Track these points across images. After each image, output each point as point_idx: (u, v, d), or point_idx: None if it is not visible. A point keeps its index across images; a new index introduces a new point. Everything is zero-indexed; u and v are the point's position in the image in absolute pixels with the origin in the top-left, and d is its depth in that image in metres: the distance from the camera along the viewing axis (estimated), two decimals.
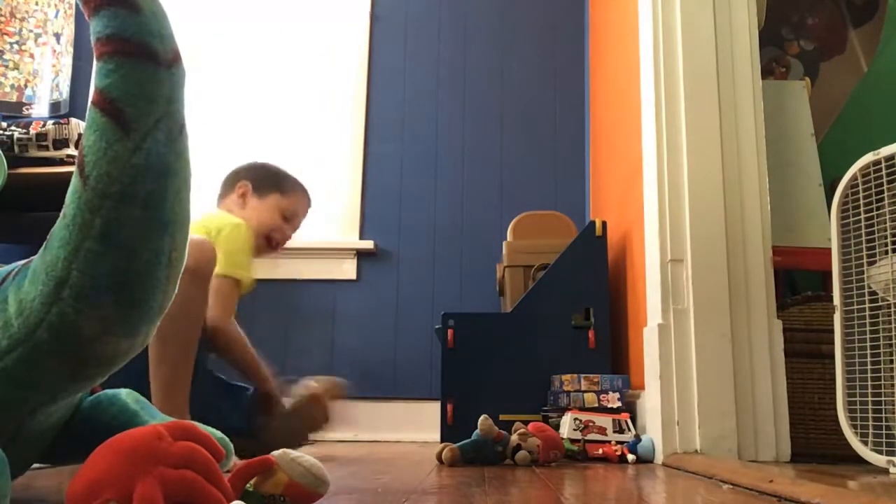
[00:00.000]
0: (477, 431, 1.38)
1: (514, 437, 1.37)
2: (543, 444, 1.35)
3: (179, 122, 0.60)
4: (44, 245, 0.60)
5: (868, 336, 1.27)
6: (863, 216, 1.30)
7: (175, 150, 0.59)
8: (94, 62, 0.58)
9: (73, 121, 2.22)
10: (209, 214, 1.76)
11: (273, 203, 1.80)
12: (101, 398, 0.81)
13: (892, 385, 1.22)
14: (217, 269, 1.52)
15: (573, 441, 1.53)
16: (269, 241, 1.80)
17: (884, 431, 1.21)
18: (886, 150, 1.27)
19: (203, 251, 1.42)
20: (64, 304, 0.58)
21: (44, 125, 2.22)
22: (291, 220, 1.83)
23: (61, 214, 0.59)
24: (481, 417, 1.39)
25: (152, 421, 0.77)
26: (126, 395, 0.82)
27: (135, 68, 0.57)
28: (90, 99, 0.58)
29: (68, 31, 2.82)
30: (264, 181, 1.83)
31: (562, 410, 1.65)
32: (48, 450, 0.77)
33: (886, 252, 1.26)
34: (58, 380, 0.63)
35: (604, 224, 1.98)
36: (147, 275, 0.59)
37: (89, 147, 0.57)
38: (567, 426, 1.56)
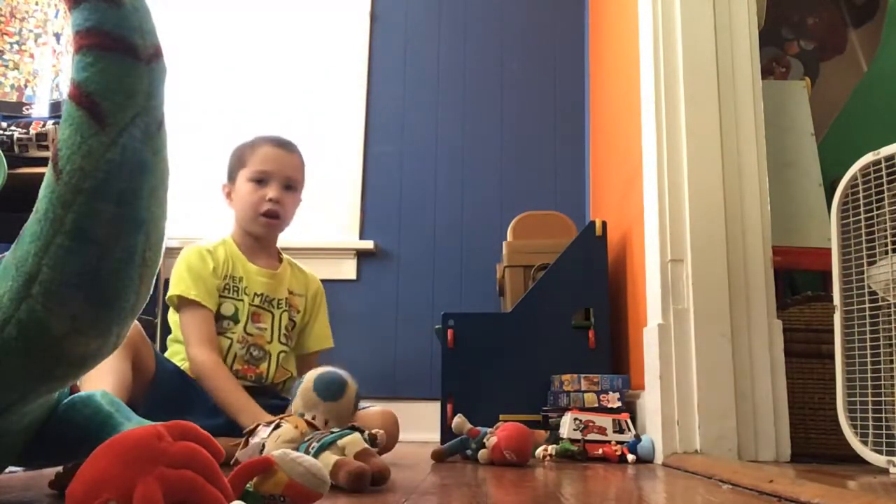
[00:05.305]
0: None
1: (487, 437, 1.41)
2: (497, 443, 1.36)
3: (158, 118, 0.59)
4: (16, 240, 0.58)
5: (868, 336, 1.27)
6: (863, 216, 1.30)
7: (152, 147, 0.58)
8: (73, 55, 0.57)
9: None
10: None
11: (242, 180, 1.65)
12: (76, 400, 0.79)
13: (892, 385, 1.22)
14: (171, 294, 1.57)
15: (573, 441, 1.53)
16: (266, 216, 1.64)
17: (884, 431, 1.21)
18: (886, 150, 1.27)
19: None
20: (33, 300, 0.56)
21: (44, 125, 2.22)
22: (266, 180, 1.64)
23: (34, 209, 0.57)
24: (455, 416, 1.45)
25: (127, 423, 0.75)
26: (101, 396, 0.80)
27: (113, 62, 0.56)
28: (67, 92, 0.57)
29: (68, 31, 2.82)
30: (231, 168, 1.70)
31: (562, 410, 1.65)
32: (23, 452, 0.75)
33: (886, 252, 1.26)
34: (26, 380, 0.61)
35: (604, 224, 1.98)
36: (119, 274, 0.58)
37: (64, 141, 0.56)
38: (567, 426, 1.56)
